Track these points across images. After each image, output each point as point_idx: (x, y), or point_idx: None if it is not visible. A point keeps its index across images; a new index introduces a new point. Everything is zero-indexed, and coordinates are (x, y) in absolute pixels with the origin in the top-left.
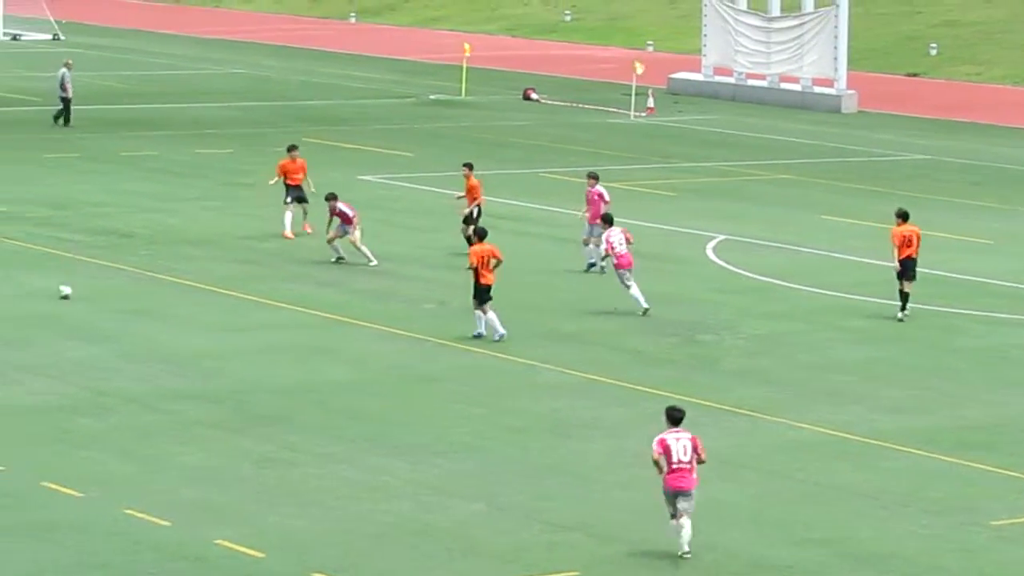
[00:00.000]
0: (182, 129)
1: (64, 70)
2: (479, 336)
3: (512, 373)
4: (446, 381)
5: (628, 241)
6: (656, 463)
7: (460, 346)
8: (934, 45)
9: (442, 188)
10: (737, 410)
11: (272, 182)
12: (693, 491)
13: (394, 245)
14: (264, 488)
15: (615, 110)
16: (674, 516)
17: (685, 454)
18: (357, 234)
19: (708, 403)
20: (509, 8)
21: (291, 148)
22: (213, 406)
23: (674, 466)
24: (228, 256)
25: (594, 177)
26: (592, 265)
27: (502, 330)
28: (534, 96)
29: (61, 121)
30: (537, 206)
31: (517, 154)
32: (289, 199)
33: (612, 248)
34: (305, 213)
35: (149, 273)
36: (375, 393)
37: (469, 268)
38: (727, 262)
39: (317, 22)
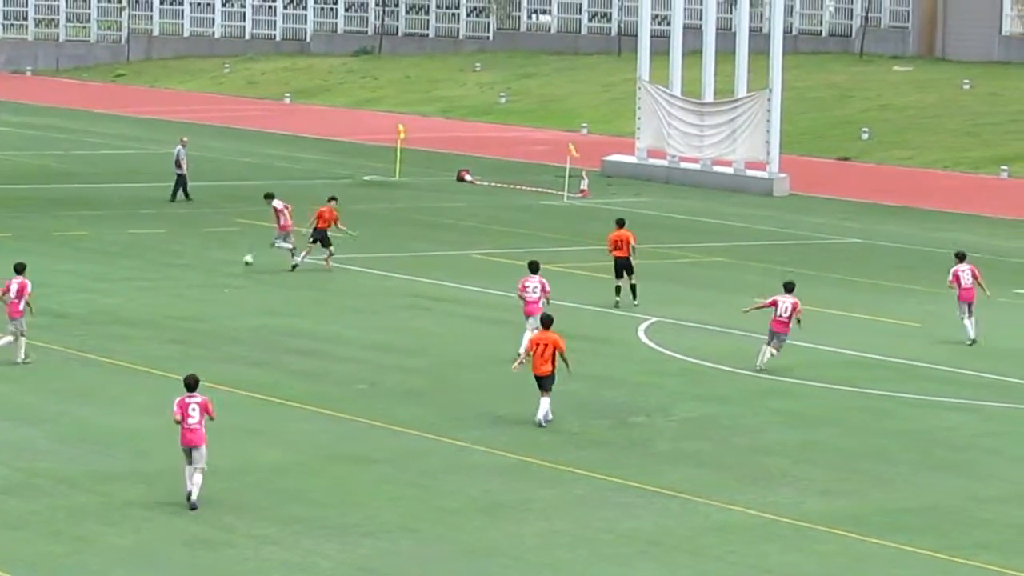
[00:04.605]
0: (117, 209)
1: (180, 147)
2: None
3: (444, 454)
4: (377, 463)
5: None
6: None
7: (392, 427)
8: (866, 129)
9: (376, 269)
10: (668, 492)
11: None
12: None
13: (328, 325)
14: (196, 570)
15: (549, 192)
16: None
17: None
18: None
19: (639, 485)
20: (444, 90)
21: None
22: (145, 487)
23: None
24: (162, 336)
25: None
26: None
27: (543, 417)
28: (468, 178)
29: (181, 196)
30: (469, 287)
31: (450, 236)
32: (313, 240)
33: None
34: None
35: (83, 354)
36: (307, 475)
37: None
38: (659, 344)
39: (253, 103)
